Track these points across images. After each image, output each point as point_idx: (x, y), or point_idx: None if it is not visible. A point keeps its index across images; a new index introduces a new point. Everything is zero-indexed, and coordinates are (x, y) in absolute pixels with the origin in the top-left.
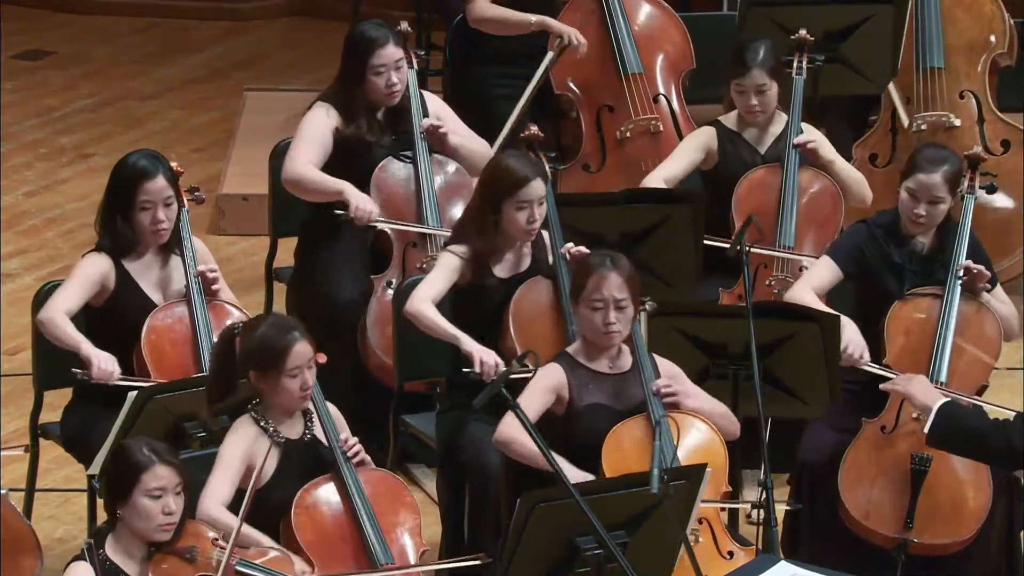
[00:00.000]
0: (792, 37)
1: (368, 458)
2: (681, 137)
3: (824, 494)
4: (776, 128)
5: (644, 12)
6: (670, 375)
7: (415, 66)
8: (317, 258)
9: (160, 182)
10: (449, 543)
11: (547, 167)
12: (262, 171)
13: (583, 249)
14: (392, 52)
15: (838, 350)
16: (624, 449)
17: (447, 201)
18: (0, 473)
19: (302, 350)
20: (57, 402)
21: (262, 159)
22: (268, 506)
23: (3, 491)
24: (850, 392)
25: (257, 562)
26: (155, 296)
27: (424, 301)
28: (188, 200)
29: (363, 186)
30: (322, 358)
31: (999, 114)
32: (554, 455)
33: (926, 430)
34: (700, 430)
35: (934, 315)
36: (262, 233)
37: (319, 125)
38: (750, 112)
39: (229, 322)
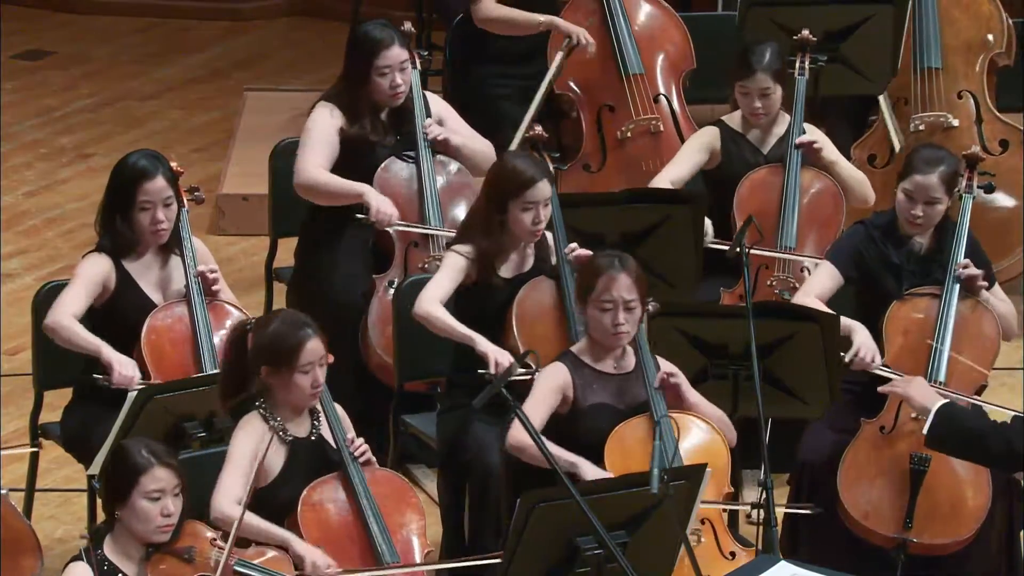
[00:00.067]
0: (794, 38)
1: (374, 459)
2: (682, 137)
3: (823, 494)
4: (780, 129)
5: (644, 12)
6: (671, 374)
7: (418, 67)
8: (318, 258)
9: (160, 182)
10: (449, 543)
11: (551, 167)
12: (262, 171)
13: (587, 252)
14: (397, 53)
15: (838, 350)
16: (626, 449)
17: (449, 201)
18: (0, 473)
19: (314, 347)
20: (57, 402)
21: (262, 159)
22: (275, 503)
23: (3, 491)
24: (850, 392)
25: (255, 562)
26: (155, 296)
27: (433, 302)
28: (188, 200)
29: None
30: (330, 358)
31: (997, 114)
32: (572, 454)
33: (925, 432)
34: (702, 430)
35: (932, 315)
36: (262, 233)
37: (325, 126)
38: (753, 114)
39: (229, 322)
